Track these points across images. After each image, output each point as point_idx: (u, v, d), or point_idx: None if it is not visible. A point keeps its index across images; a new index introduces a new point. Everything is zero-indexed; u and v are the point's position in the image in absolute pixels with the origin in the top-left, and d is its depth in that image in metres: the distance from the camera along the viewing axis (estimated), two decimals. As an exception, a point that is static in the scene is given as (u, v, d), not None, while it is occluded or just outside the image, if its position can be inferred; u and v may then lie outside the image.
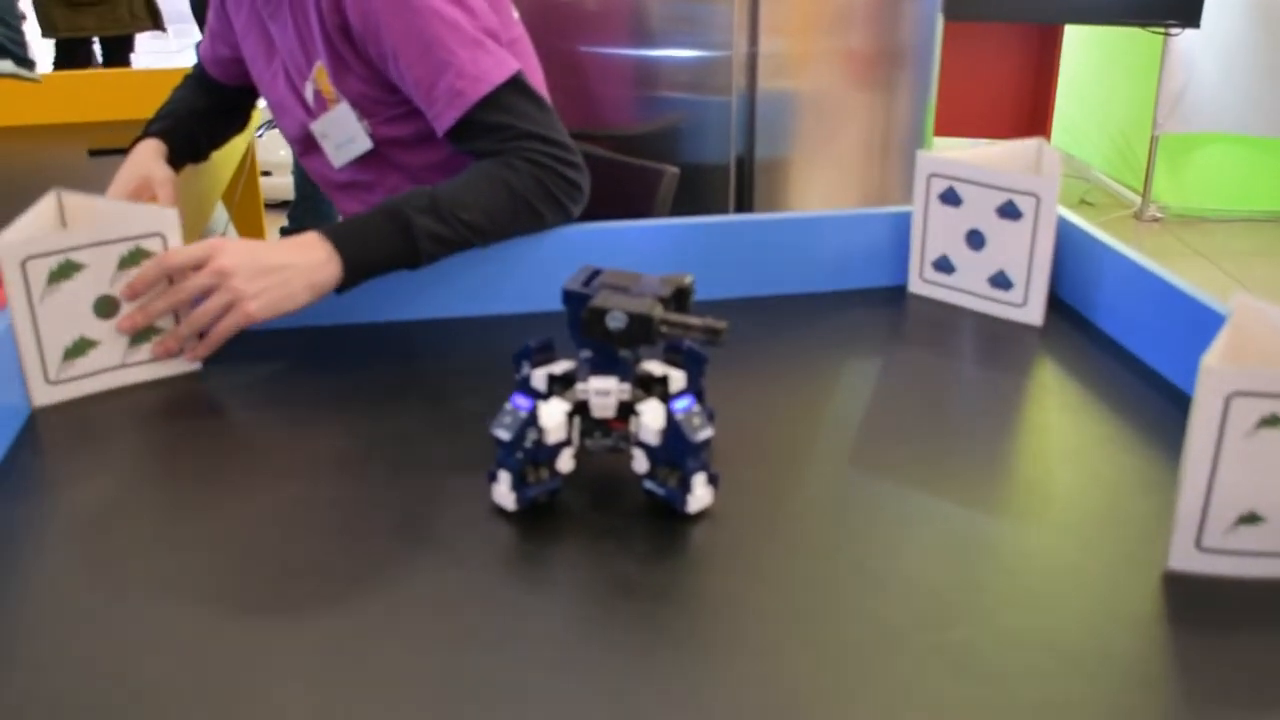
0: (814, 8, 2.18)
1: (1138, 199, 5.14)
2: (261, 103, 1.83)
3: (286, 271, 1.21)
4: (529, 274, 1.36)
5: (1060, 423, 1.09)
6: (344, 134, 1.56)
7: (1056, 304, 1.36)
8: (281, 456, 1.05)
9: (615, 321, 0.87)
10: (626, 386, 0.93)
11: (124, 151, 1.71)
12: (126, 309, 1.18)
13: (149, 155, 1.69)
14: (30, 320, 1.12)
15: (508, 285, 1.36)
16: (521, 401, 0.91)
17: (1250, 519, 0.82)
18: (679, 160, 1.96)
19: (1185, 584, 0.84)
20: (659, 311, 0.87)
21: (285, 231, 4.19)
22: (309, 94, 1.56)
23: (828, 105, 2.24)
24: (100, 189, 1.46)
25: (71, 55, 5.17)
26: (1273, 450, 0.80)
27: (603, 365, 0.93)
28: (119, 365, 1.19)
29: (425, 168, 1.59)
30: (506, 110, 1.41)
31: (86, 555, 0.90)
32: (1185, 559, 0.85)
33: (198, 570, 0.87)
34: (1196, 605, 0.82)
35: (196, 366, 1.22)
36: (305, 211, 4.11)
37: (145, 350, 1.20)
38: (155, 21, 5.44)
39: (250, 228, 3.19)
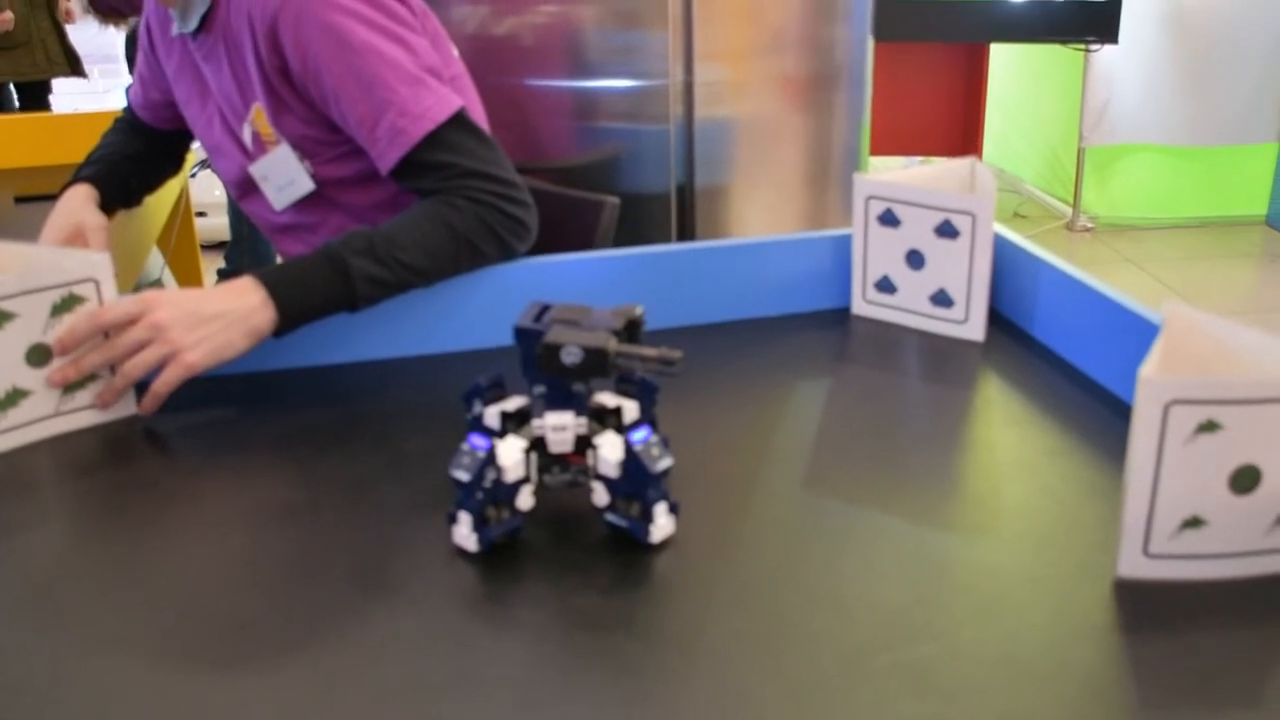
0: (747, 35, 2.21)
1: (1069, 210, 5.23)
2: (196, 143, 1.82)
3: (223, 319, 1.20)
4: (472, 311, 1.36)
5: (1007, 436, 1.11)
6: (284, 176, 1.55)
7: (996, 319, 1.38)
8: (226, 505, 1.03)
9: (570, 356, 0.88)
10: (583, 420, 0.93)
11: (52, 198, 1.68)
12: (58, 362, 1.16)
13: (79, 201, 1.66)
14: None
15: (450, 323, 1.36)
16: (478, 441, 0.91)
17: (1193, 523, 0.85)
18: (619, 190, 1.97)
19: (1135, 590, 0.87)
20: (614, 344, 0.88)
21: (222, 273, 4.16)
22: (247, 136, 1.55)
23: (765, 130, 2.26)
24: (28, 236, 1.44)
25: None
26: (1211, 455, 0.83)
27: (557, 400, 0.93)
28: (53, 414, 1.17)
29: (369, 207, 1.58)
30: (450, 148, 1.40)
31: (29, 617, 0.88)
32: (1134, 566, 0.87)
33: (146, 627, 0.86)
34: (1147, 610, 0.84)
35: (133, 411, 1.21)
36: (241, 252, 4.08)
37: (80, 398, 1.18)
38: (74, 67, 5.39)
39: (186, 270, 3.15)
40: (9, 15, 4.96)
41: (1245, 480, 0.83)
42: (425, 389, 1.26)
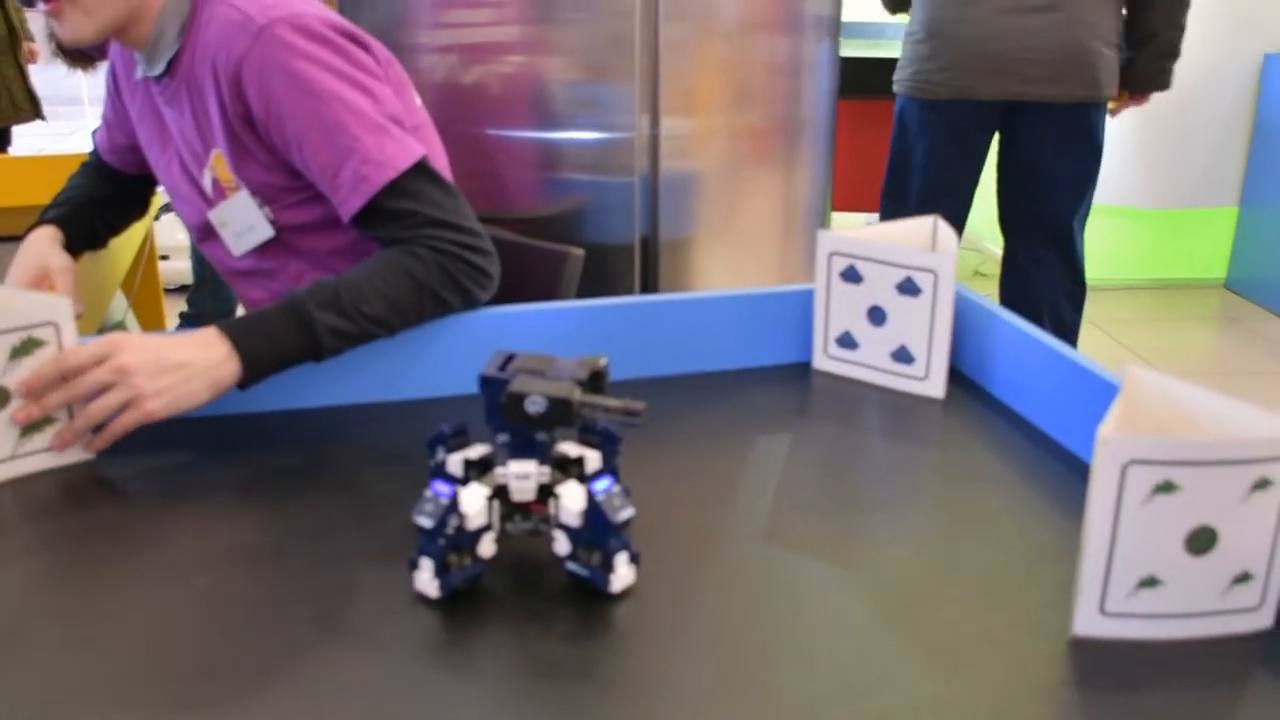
0: (714, 89, 2.23)
1: (1027, 270, 5.27)
2: (161, 186, 1.82)
3: (187, 369, 1.20)
4: (436, 359, 1.36)
5: (965, 493, 1.12)
6: (243, 222, 1.55)
7: (956, 376, 1.39)
8: (188, 549, 1.03)
9: (535, 405, 0.88)
10: (546, 469, 0.94)
11: (15, 239, 1.68)
12: (18, 404, 1.15)
13: (45, 243, 1.66)
14: None
15: (414, 371, 1.36)
16: (441, 488, 0.91)
17: (1150, 583, 0.86)
18: (583, 241, 1.98)
19: (1091, 648, 0.87)
20: (578, 394, 0.89)
21: (184, 316, 4.14)
22: (206, 182, 1.55)
23: (729, 184, 2.28)
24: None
25: None
26: (1168, 515, 0.84)
27: (521, 448, 0.93)
28: (10, 457, 1.15)
29: (329, 253, 1.58)
30: (412, 196, 1.41)
31: None
32: (1090, 624, 0.88)
33: (107, 673, 0.85)
34: (1102, 668, 0.85)
35: (90, 456, 1.20)
36: (204, 296, 4.06)
37: (37, 440, 1.17)
38: (36, 110, 5.37)
39: (150, 313, 3.14)
40: None
41: (1201, 541, 0.84)
42: (389, 435, 1.26)
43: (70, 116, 10.08)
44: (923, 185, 3.30)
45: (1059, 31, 3.00)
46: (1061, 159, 3.21)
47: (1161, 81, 3.22)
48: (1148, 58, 3.15)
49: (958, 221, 3.32)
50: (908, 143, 3.32)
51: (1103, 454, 0.82)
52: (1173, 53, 3.16)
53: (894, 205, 3.40)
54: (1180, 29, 3.12)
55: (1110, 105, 3.26)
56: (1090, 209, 3.34)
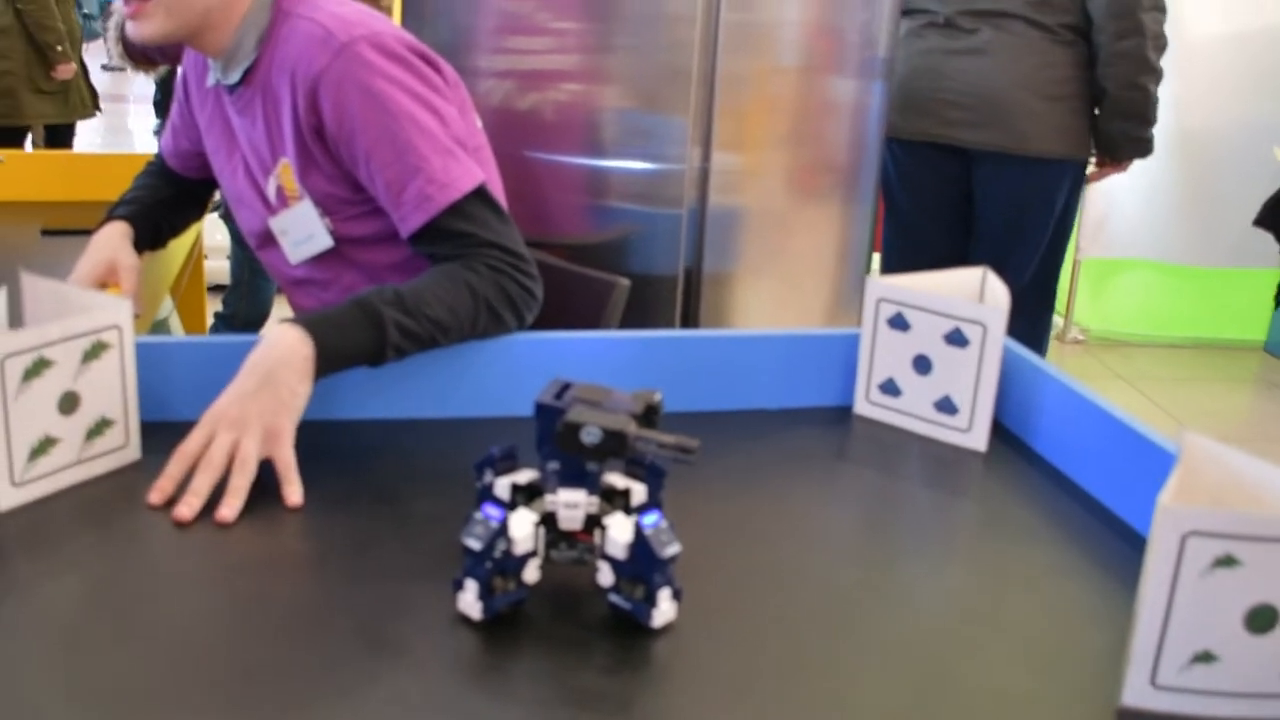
0: (767, 125, 2.23)
1: (1060, 321, 5.24)
2: (221, 192, 1.84)
3: (267, 373, 1.18)
4: (481, 379, 1.37)
5: (1007, 549, 1.11)
6: (304, 231, 1.58)
7: (998, 429, 1.38)
8: (234, 554, 1.03)
9: (590, 436, 0.89)
10: (594, 499, 0.94)
11: (77, 232, 1.71)
12: (84, 411, 1.15)
13: (118, 239, 1.69)
14: (3, 420, 1.08)
15: (459, 389, 1.36)
16: (492, 511, 0.91)
17: (1205, 658, 0.84)
18: (627, 270, 1.99)
19: None
20: (633, 428, 0.89)
21: (219, 316, 4.16)
22: (271, 190, 1.57)
23: (776, 221, 2.28)
24: (52, 267, 1.44)
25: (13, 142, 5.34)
26: (1227, 590, 0.83)
27: (571, 477, 0.93)
28: (75, 462, 1.16)
29: (384, 267, 1.60)
30: (470, 219, 1.44)
31: (46, 664, 0.87)
32: (1139, 696, 0.86)
33: (155, 673, 0.86)
34: (1148, 739, 0.84)
35: (138, 457, 1.20)
36: (240, 297, 4.08)
37: (98, 445, 1.18)
38: (96, 105, 5.64)
39: (192, 313, 3.19)
40: (73, 66, 5.22)
41: (1262, 620, 0.83)
42: (433, 453, 1.26)
43: (114, 115, 10.23)
44: (887, 225, 3.25)
45: (979, 77, 2.89)
46: (990, 209, 3.08)
47: (1127, 148, 2.99)
48: (1105, 118, 2.93)
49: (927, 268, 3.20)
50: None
51: (1162, 522, 0.81)
52: (1133, 114, 2.91)
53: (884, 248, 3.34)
54: (1140, 89, 2.86)
55: (1090, 170, 3.12)
56: (1039, 284, 3.16)
